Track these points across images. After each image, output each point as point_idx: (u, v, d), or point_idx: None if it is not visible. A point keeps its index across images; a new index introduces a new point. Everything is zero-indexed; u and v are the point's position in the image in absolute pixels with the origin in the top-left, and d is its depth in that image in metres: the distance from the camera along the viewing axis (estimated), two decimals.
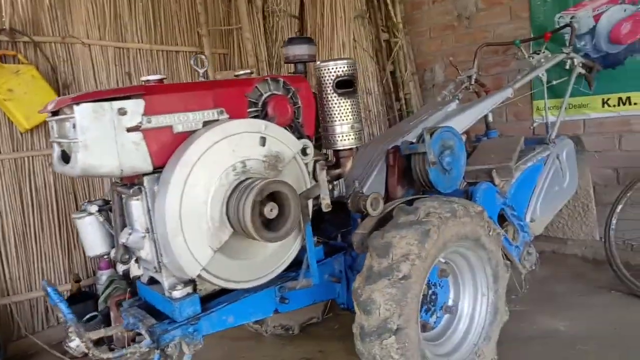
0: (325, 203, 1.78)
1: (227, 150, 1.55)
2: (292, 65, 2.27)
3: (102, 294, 2.66)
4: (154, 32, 3.45)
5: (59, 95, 2.94)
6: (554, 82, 3.03)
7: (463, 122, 2.59)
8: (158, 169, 1.53)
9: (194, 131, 1.58)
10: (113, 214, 1.64)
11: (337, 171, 2.02)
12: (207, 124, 1.61)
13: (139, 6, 3.37)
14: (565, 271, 3.34)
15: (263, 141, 1.64)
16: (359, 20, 4.04)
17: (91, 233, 1.66)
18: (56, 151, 1.57)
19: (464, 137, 2.69)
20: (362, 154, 2.50)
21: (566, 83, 2.98)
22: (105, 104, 1.41)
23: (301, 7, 3.95)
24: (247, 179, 1.57)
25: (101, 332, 1.66)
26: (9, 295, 2.83)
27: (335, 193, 2.14)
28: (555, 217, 3.09)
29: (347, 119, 1.95)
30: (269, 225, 1.55)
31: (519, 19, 3.72)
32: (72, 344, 1.70)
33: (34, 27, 2.93)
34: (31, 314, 2.92)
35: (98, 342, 1.82)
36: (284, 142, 1.70)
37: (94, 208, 1.64)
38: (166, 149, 1.52)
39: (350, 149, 2.00)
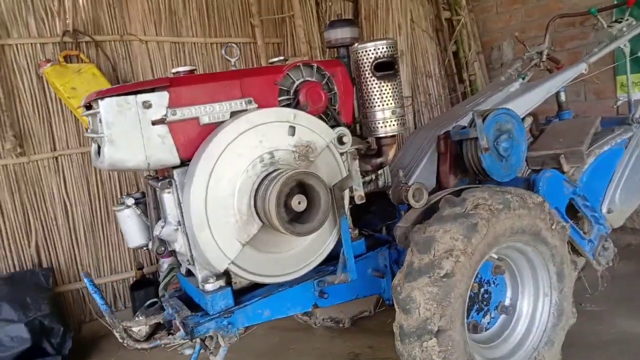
0: (358, 195, 1.67)
1: (254, 141, 1.50)
2: (335, 50, 2.18)
3: (163, 281, 2.76)
4: (207, 25, 3.49)
5: None
6: (639, 54, 2.65)
7: (527, 103, 2.35)
8: (187, 161, 1.51)
9: (221, 122, 1.54)
10: (147, 207, 1.66)
11: (379, 160, 1.90)
12: (235, 114, 1.56)
13: (193, 0, 3.41)
14: None
15: (292, 131, 1.56)
16: None
17: (130, 225, 1.69)
18: (93, 146, 1.61)
19: (529, 120, 2.45)
20: (413, 140, 2.34)
21: None
22: (130, 98, 1.41)
23: None
24: (275, 170, 1.51)
25: (141, 322, 1.69)
26: (80, 280, 3.03)
27: (380, 183, 2.02)
28: None
29: (388, 104, 1.82)
30: (299, 219, 1.48)
31: None
32: (135, 328, 1.76)
33: (94, 27, 3.07)
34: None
35: (158, 327, 1.88)
36: (316, 131, 1.61)
37: (130, 201, 1.66)
38: (193, 141, 1.50)
39: (393, 136, 1.87)
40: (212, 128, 1.52)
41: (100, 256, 3.10)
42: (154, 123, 1.44)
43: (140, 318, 1.78)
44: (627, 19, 2.62)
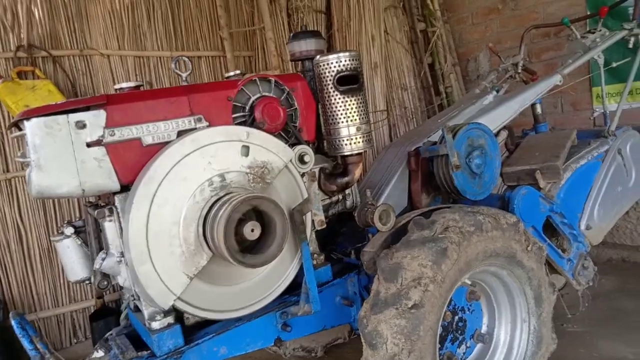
0: (319, 220, 1.55)
1: (202, 163, 1.36)
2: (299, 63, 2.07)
3: (123, 311, 2.59)
4: (174, 38, 3.37)
5: None
6: (614, 64, 2.59)
7: (501, 116, 2.26)
8: (129, 186, 1.37)
9: (167, 142, 1.41)
10: (88, 236, 1.50)
11: (345, 179, 1.77)
12: (182, 133, 1.43)
13: (158, 13, 3.29)
14: (636, 283, 2.87)
15: (246, 150, 1.43)
16: (391, 10, 3.75)
17: (69, 257, 1.53)
18: (27, 170, 1.45)
19: (504, 133, 2.36)
20: (384, 157, 2.23)
21: (630, 65, 2.55)
22: (60, 118, 1.27)
23: (327, 1, 3.72)
24: (226, 194, 1.37)
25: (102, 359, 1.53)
26: (36, 311, 2.83)
27: (348, 203, 1.91)
28: (620, 220, 2.67)
29: (353, 120, 1.70)
30: (252, 248, 1.35)
31: None
32: None
33: (52, 41, 2.92)
34: (58, 329, 2.91)
35: None
36: (273, 151, 1.48)
37: (70, 230, 1.51)
38: (135, 164, 1.36)
39: (359, 153, 1.75)
40: (157, 149, 1.38)
41: (57, 284, 2.91)
42: (89, 145, 1.30)
43: (99, 352, 1.62)
44: (600, 30, 2.57)
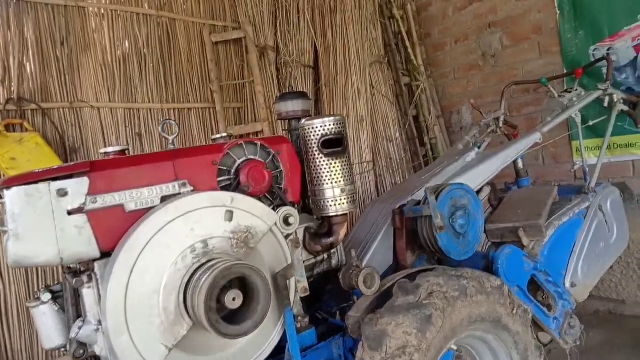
0: (302, 287, 1.54)
1: (184, 230, 1.36)
2: (287, 122, 2.12)
3: None
4: (165, 91, 3.42)
5: (64, 161, 2.91)
6: (591, 123, 2.69)
7: (483, 174, 2.30)
8: (110, 252, 1.35)
9: (151, 208, 1.41)
10: (65, 303, 1.47)
11: (330, 240, 1.77)
12: (167, 199, 1.43)
13: (150, 66, 3.36)
14: (624, 337, 2.85)
15: (230, 215, 1.44)
16: (377, 65, 3.87)
17: (46, 323, 1.49)
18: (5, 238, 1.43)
19: (487, 189, 2.40)
20: (369, 213, 2.25)
21: (606, 122, 2.64)
22: (42, 186, 1.26)
23: (315, 56, 3.84)
24: (208, 261, 1.36)
25: None
26: None
27: (333, 262, 1.90)
28: (605, 274, 2.67)
29: (337, 182, 1.72)
30: (233, 317, 1.32)
31: (550, 54, 3.42)
32: None
33: (42, 94, 2.95)
34: None
35: None
36: (257, 215, 1.49)
37: (47, 296, 1.47)
38: (117, 231, 1.35)
39: (344, 214, 1.76)
40: (140, 215, 1.38)
41: (34, 340, 2.80)
42: (70, 213, 1.29)
43: None
44: (577, 89, 2.68)
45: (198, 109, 3.59)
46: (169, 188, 1.45)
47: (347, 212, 1.75)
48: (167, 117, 3.43)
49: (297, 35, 3.73)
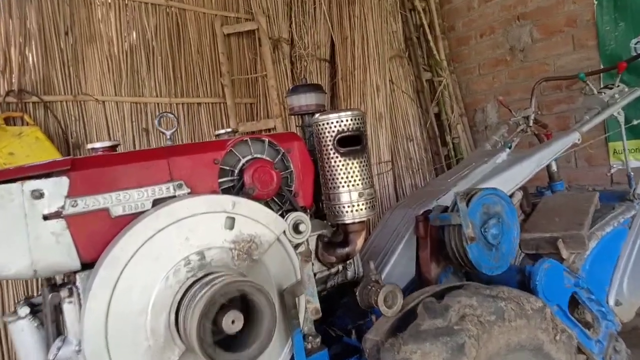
0: (313, 308, 1.34)
1: (178, 239, 1.17)
2: (299, 117, 1.93)
3: None
4: (173, 84, 3.26)
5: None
6: (635, 122, 2.44)
7: (516, 177, 2.08)
8: (93, 263, 1.18)
9: (141, 213, 1.22)
10: (45, 319, 1.30)
11: (346, 250, 1.57)
12: (159, 202, 1.25)
13: (158, 59, 3.20)
14: None
15: (231, 223, 1.25)
16: (397, 60, 3.66)
17: (24, 341, 1.32)
18: None
19: (519, 194, 2.17)
20: (389, 219, 2.05)
21: None
22: (14, 187, 1.09)
23: (332, 49, 3.64)
24: (205, 275, 1.18)
25: None
26: None
27: (349, 274, 1.70)
28: None
29: (355, 185, 1.52)
30: (233, 341, 1.14)
31: (585, 48, 3.17)
32: None
33: (44, 86, 2.80)
34: None
35: None
36: (262, 222, 1.30)
37: (25, 311, 1.30)
38: (101, 238, 1.17)
39: (362, 222, 1.55)
40: (128, 220, 1.20)
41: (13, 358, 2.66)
42: (46, 217, 1.12)
43: None
44: (618, 86, 2.43)
45: (208, 103, 3.42)
46: (162, 190, 1.26)
47: (366, 219, 1.54)
48: (176, 112, 3.27)
49: (313, 27, 3.54)
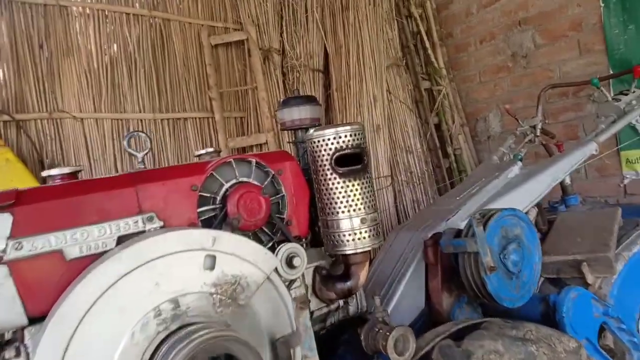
0: None
1: (146, 285, 0.97)
2: (292, 132, 1.74)
3: None
4: (157, 99, 3.07)
5: (39, 180, 2.55)
6: None
7: (531, 193, 1.90)
8: (43, 316, 0.97)
9: (103, 253, 1.02)
10: None
11: (348, 285, 1.37)
12: (124, 239, 1.05)
13: (140, 73, 3.01)
14: None
15: (211, 262, 1.04)
16: (394, 69, 3.49)
17: None
18: None
19: (534, 211, 1.99)
20: (393, 243, 1.85)
21: None
22: None
23: (325, 59, 3.47)
24: (180, 328, 0.97)
25: None
26: None
27: (351, 309, 1.49)
28: None
29: (356, 209, 1.33)
30: None
31: (592, 53, 3.01)
32: None
33: (16, 104, 2.61)
34: None
35: None
36: (249, 260, 1.09)
37: None
38: (53, 287, 0.97)
39: (365, 252, 1.36)
40: (87, 263, 1.00)
41: None
42: None
43: None
44: (634, 91, 2.26)
45: (195, 118, 3.23)
46: (129, 225, 1.06)
47: (370, 248, 1.35)
48: (160, 128, 3.08)
49: (305, 36, 3.37)
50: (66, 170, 1.15)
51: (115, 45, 2.96)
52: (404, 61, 3.64)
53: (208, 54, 3.22)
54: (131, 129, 2.98)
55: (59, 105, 2.74)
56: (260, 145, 3.26)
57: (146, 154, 1.27)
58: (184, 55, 3.20)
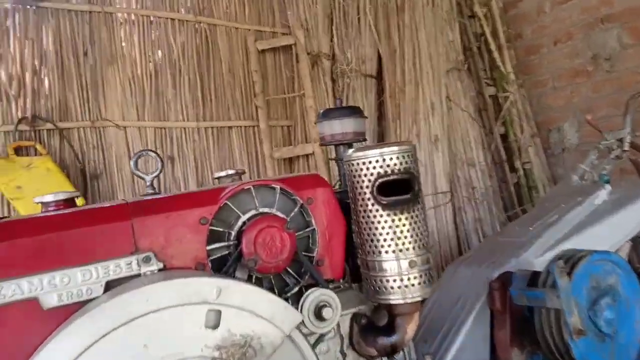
0: None
1: (131, 348, 0.78)
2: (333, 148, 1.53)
3: None
4: (202, 107, 2.95)
5: (79, 190, 2.49)
6: None
7: (624, 225, 1.56)
8: None
9: (88, 302, 0.84)
10: None
11: (392, 340, 1.12)
12: (114, 285, 0.86)
13: (185, 80, 2.90)
14: None
15: (215, 319, 0.84)
16: (454, 73, 3.17)
17: None
18: None
19: (627, 246, 1.64)
20: (450, 280, 1.57)
21: None
22: None
23: (379, 64, 3.22)
24: None
25: None
26: None
27: None
28: None
29: (403, 249, 1.07)
30: None
31: None
32: None
33: (60, 112, 2.56)
34: None
35: None
36: (264, 315, 0.88)
37: None
38: (27, 342, 0.80)
39: (415, 302, 1.10)
40: (68, 313, 0.82)
41: None
42: None
43: None
44: None
45: (240, 127, 3.08)
46: (121, 267, 0.88)
47: (420, 298, 1.09)
48: (204, 137, 2.95)
49: (357, 40, 3.14)
50: (61, 196, 0.99)
51: (159, 51, 2.87)
52: (466, 65, 3.31)
53: (254, 59, 3.07)
54: (174, 138, 2.88)
55: (102, 113, 2.68)
56: (307, 155, 3.06)
57: (156, 176, 1.09)
58: (229, 61, 3.06)
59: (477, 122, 3.24)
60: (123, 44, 2.76)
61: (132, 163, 1.09)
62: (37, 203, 0.99)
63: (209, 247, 0.97)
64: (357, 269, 1.22)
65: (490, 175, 3.18)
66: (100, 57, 2.68)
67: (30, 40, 2.51)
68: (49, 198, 0.98)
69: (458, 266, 1.58)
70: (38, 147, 2.44)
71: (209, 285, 0.83)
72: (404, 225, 1.07)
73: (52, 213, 0.93)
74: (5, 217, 0.91)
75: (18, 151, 2.41)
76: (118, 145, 2.71)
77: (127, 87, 2.75)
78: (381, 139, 3.21)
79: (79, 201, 2.40)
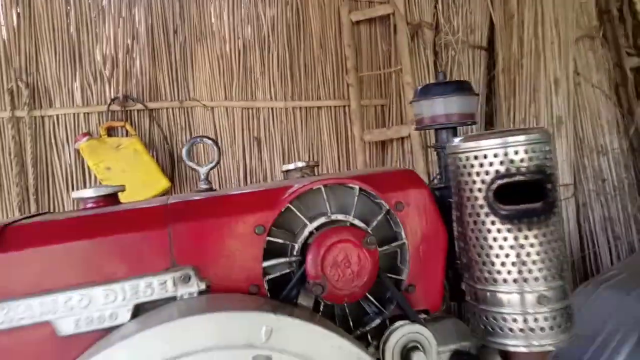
0: None
1: None
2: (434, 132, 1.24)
3: None
4: (290, 85, 2.77)
5: (165, 172, 2.46)
6: None
7: None
8: None
9: (112, 329, 0.67)
10: None
11: None
12: (143, 310, 0.68)
13: (274, 56, 2.74)
14: None
15: None
16: (586, 42, 2.64)
17: None
18: None
19: None
20: (592, 307, 1.21)
21: None
22: None
23: (491, 33, 2.78)
24: None
25: None
26: None
27: None
28: None
29: (529, 279, 0.77)
30: None
31: None
32: None
33: (150, 93, 2.54)
34: None
35: None
36: None
37: None
38: None
39: (542, 352, 0.79)
40: (87, 343, 0.66)
41: None
42: None
43: None
44: None
45: (330, 107, 2.86)
46: (153, 287, 0.69)
47: (552, 348, 0.78)
48: (292, 118, 2.78)
49: (466, 6, 2.73)
50: (102, 191, 0.83)
51: (248, 27, 2.72)
52: (602, 32, 2.73)
53: (347, 32, 2.80)
54: (261, 119, 2.74)
55: (190, 93, 2.61)
56: (402, 139, 2.76)
57: (212, 168, 0.90)
58: (320, 35, 2.83)
59: (613, 100, 2.67)
60: (213, 19, 2.66)
61: (184, 151, 0.91)
62: (77, 198, 0.84)
63: (265, 264, 0.76)
64: (459, 282, 0.93)
65: (626, 166, 2.62)
66: (189, 35, 2.60)
67: (123, 19, 2.50)
68: (88, 193, 0.83)
69: (599, 286, 1.21)
70: (128, 127, 2.43)
71: (256, 323, 0.62)
72: (532, 245, 0.77)
73: (83, 213, 0.77)
74: (41, 213, 0.77)
75: (110, 132, 2.42)
76: (206, 126, 2.63)
77: (215, 65, 2.65)
78: (489, 121, 2.80)
79: (164, 184, 2.36)
